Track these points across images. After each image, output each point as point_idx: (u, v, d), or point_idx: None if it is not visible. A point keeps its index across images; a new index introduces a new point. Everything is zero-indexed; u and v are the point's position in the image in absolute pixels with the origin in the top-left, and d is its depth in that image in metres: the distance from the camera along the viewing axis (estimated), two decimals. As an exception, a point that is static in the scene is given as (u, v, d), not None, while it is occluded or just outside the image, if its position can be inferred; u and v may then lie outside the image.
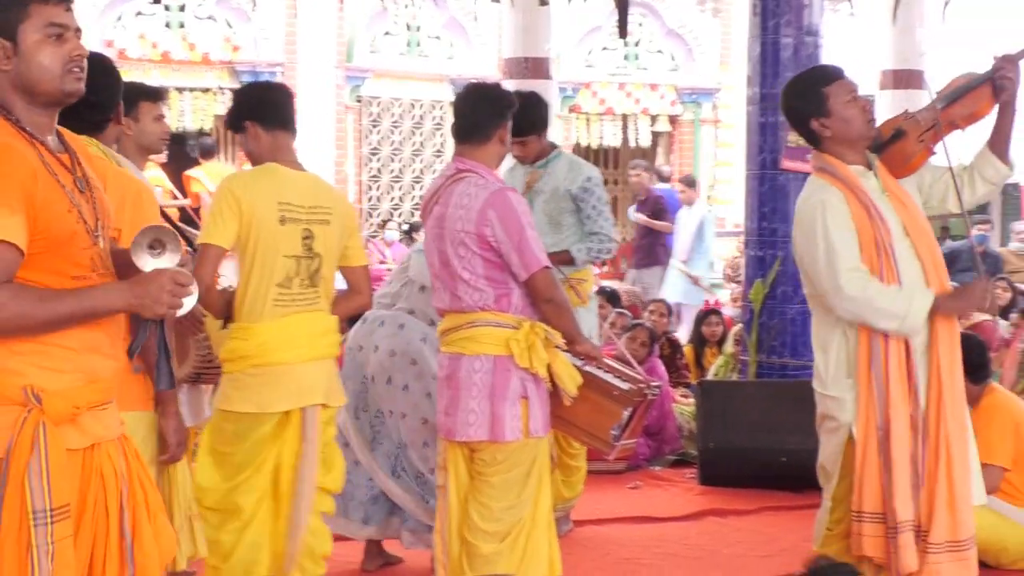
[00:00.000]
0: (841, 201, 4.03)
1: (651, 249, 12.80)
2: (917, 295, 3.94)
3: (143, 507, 2.88)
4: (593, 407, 4.46)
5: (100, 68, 3.78)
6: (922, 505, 3.97)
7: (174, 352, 4.51)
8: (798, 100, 4.17)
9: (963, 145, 4.36)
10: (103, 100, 3.76)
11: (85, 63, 2.81)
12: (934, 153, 4.28)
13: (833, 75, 4.17)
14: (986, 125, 4.30)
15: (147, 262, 2.76)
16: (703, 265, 12.81)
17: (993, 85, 4.19)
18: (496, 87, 4.75)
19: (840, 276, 3.94)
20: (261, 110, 4.39)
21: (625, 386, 4.52)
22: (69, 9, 2.82)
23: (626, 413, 4.50)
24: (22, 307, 2.65)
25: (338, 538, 4.91)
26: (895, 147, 4.21)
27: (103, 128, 3.80)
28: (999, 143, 4.26)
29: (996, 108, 4.22)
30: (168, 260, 2.78)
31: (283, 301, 4.23)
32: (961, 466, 3.98)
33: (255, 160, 4.37)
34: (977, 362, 5.47)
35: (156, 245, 2.78)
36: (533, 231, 4.32)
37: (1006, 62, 4.19)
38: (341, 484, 4.53)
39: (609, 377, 4.52)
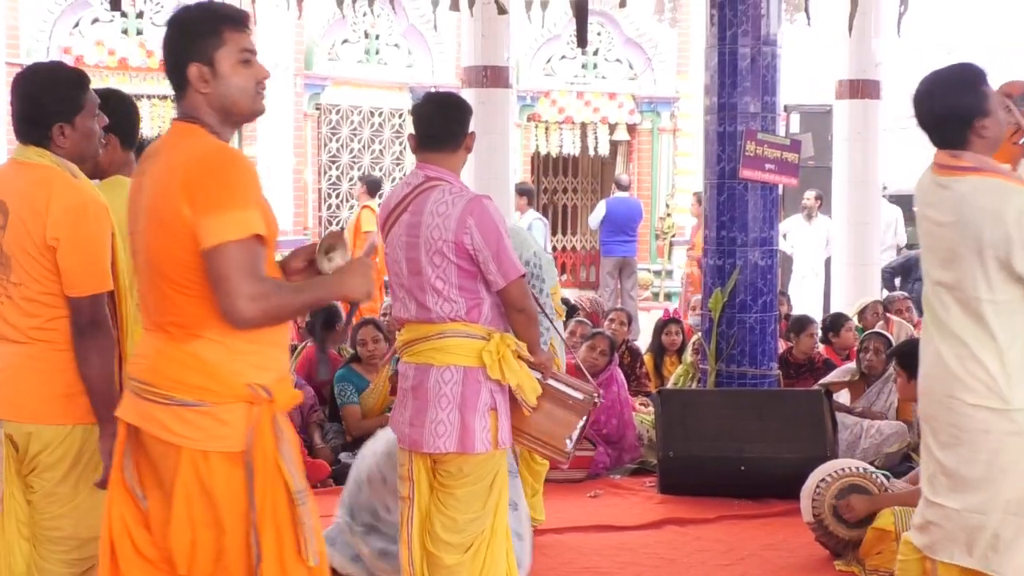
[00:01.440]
0: None
1: None
2: None
3: None
4: (548, 417, 4.45)
5: (46, 82, 3.74)
6: None
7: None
8: (967, 97, 3.83)
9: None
10: (40, 115, 3.70)
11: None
12: None
13: (984, 74, 3.89)
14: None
15: (326, 264, 3.18)
16: None
17: None
18: (458, 95, 4.76)
19: None
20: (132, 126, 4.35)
21: (579, 395, 4.53)
22: (251, 34, 3.15)
23: (580, 422, 4.51)
24: (283, 298, 2.95)
25: None
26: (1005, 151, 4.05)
27: (43, 143, 3.70)
28: None
29: None
30: (341, 258, 3.18)
31: None
32: None
33: (104, 172, 4.17)
34: None
35: (330, 249, 3.19)
36: (509, 240, 4.31)
37: None
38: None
39: (562, 387, 4.52)
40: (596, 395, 4.60)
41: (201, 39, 3.07)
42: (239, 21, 3.14)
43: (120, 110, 4.19)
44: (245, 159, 3.04)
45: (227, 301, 2.88)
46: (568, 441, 4.50)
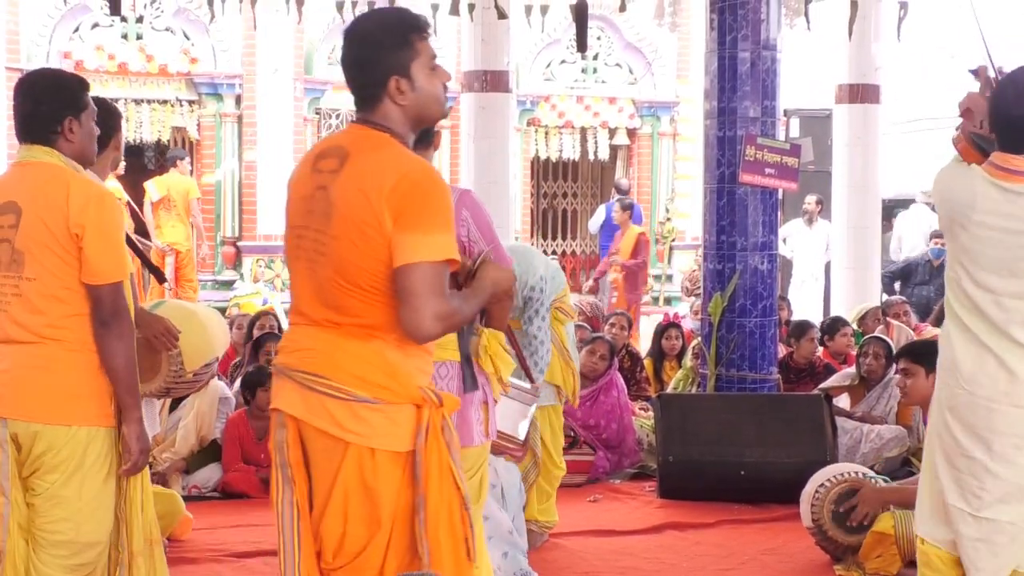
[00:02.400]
0: None
1: None
2: None
3: None
4: (506, 408, 4.46)
5: (50, 84, 3.85)
6: None
7: (145, 367, 4.59)
8: None
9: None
10: (51, 113, 3.77)
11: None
12: None
13: None
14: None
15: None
16: None
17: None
18: None
19: None
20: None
21: (528, 385, 4.56)
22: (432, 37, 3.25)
23: (531, 410, 4.53)
24: (460, 315, 3.12)
25: None
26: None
27: (52, 142, 3.78)
28: None
29: None
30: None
31: None
32: None
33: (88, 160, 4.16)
34: None
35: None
36: None
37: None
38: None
39: (511, 379, 4.53)
40: (534, 389, 4.62)
41: (395, 52, 3.13)
42: (424, 28, 3.20)
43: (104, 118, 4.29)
44: (444, 181, 3.13)
45: (414, 317, 2.96)
46: (521, 431, 4.52)
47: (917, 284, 13.09)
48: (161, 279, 6.50)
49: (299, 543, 3.15)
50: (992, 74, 4.17)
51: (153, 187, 13.11)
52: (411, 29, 3.16)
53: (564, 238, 17.82)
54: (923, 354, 5.90)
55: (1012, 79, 3.86)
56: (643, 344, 10.92)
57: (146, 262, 5.26)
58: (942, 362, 3.96)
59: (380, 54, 3.14)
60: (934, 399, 4.01)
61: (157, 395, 4.55)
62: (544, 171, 17.65)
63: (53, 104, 3.78)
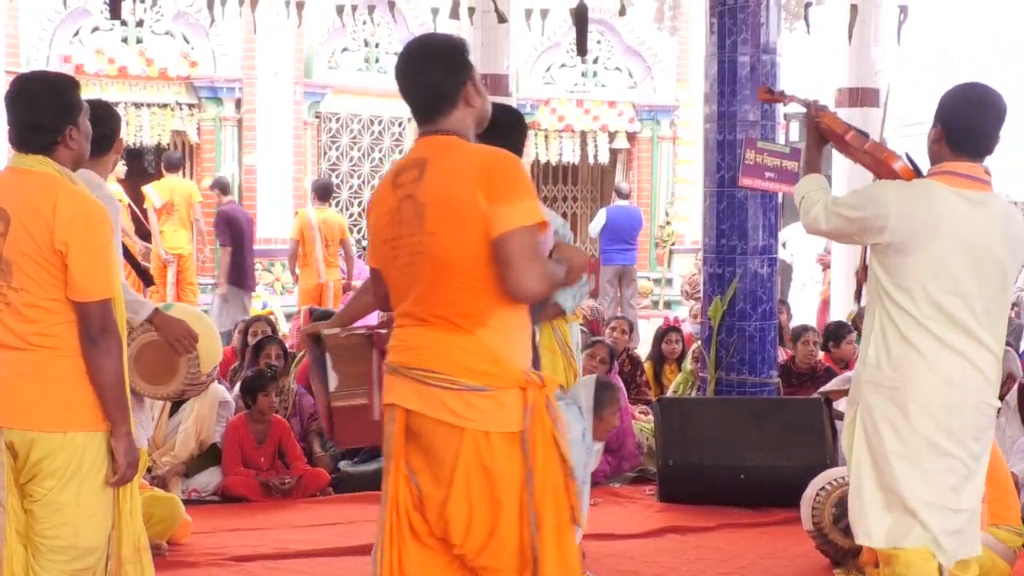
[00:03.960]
0: None
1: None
2: None
3: None
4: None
5: (50, 90, 3.79)
6: None
7: (162, 370, 4.59)
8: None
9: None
10: (52, 122, 3.74)
11: None
12: None
13: None
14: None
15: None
16: None
17: None
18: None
19: None
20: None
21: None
22: None
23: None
24: (557, 272, 3.41)
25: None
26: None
27: (51, 150, 3.75)
28: None
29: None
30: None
31: None
32: None
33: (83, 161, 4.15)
34: None
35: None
36: None
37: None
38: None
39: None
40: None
41: (463, 62, 3.51)
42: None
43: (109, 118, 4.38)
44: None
45: (520, 278, 3.24)
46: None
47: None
48: (149, 282, 6.44)
49: (385, 532, 3.40)
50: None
51: (154, 192, 13.09)
52: (465, 48, 3.57)
53: (564, 242, 17.80)
54: None
55: (963, 90, 4.09)
56: (643, 348, 10.92)
57: (134, 264, 5.27)
58: (902, 370, 4.00)
59: (455, 68, 3.49)
60: (875, 412, 4.06)
61: (173, 397, 4.61)
62: (544, 175, 17.66)
63: (55, 114, 3.75)
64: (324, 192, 12.69)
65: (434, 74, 3.49)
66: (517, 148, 4.73)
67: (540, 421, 3.34)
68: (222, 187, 12.82)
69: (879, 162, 4.20)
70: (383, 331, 4.20)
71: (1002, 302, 4.06)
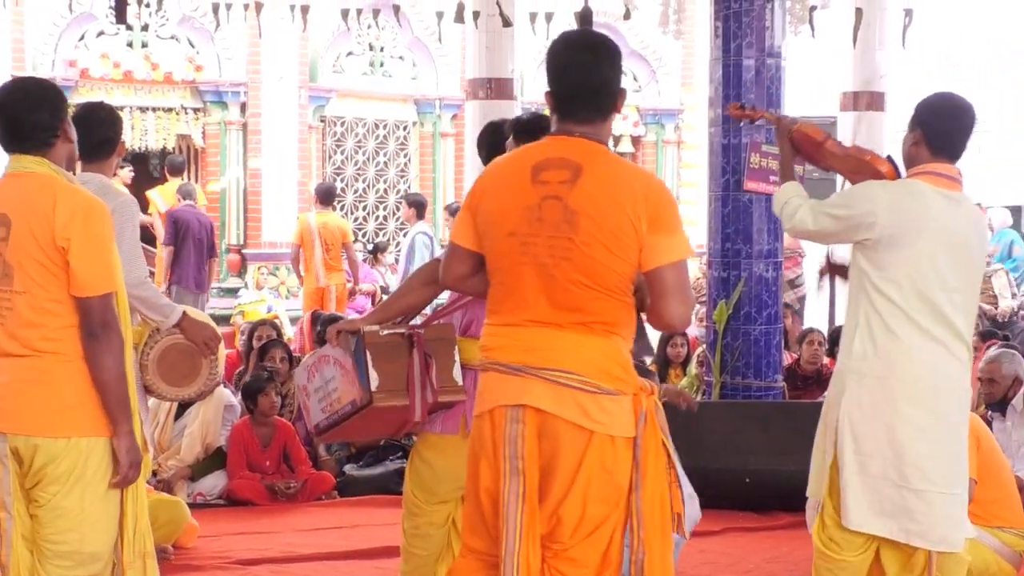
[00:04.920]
0: None
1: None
2: None
3: None
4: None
5: (40, 89, 3.82)
6: None
7: (184, 372, 4.63)
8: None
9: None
10: (48, 119, 3.75)
11: None
12: None
13: None
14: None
15: None
16: None
17: None
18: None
19: None
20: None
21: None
22: None
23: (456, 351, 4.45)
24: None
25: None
26: None
27: (51, 146, 3.76)
28: None
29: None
30: None
31: None
32: None
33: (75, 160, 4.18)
34: None
35: None
36: None
37: None
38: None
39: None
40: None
41: (621, 69, 3.56)
42: None
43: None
44: None
45: (679, 310, 3.38)
46: (457, 375, 4.38)
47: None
48: None
49: (521, 533, 3.37)
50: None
51: (159, 197, 13.10)
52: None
53: (569, 245, 17.81)
54: None
55: (942, 98, 4.41)
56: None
57: None
58: (889, 360, 4.19)
59: (620, 72, 3.53)
60: (863, 402, 4.25)
61: (194, 398, 4.67)
62: (549, 178, 17.62)
63: (50, 110, 3.75)
64: (326, 196, 12.68)
65: (609, 72, 3.48)
66: None
67: (652, 427, 3.43)
68: (184, 193, 12.72)
69: (863, 163, 4.43)
70: (422, 331, 4.21)
71: (975, 294, 4.36)
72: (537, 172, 3.41)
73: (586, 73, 3.44)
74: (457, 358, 4.24)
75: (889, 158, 4.46)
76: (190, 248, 12.17)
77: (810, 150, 4.58)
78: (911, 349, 4.16)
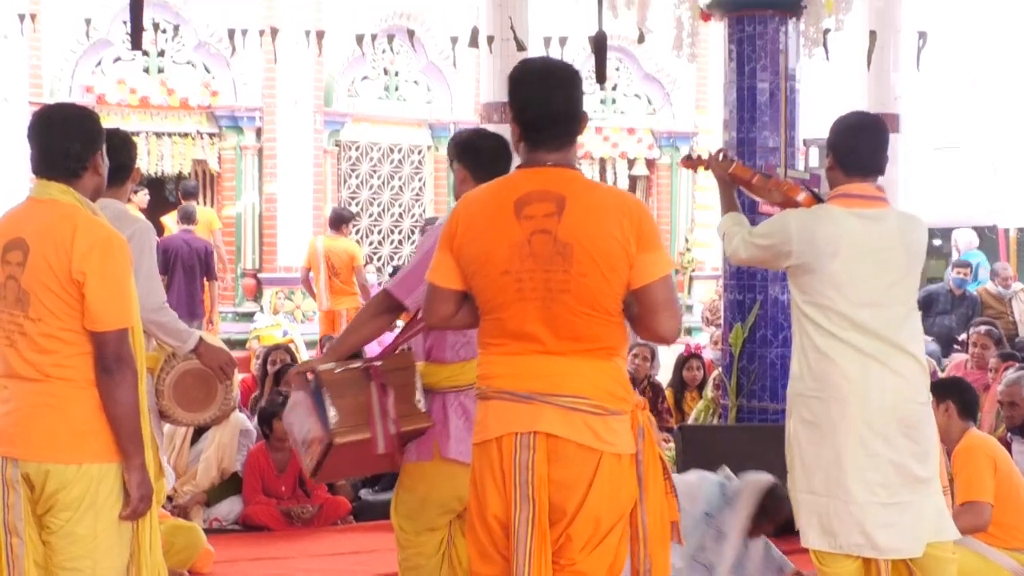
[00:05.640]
0: None
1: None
2: None
3: None
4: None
5: (78, 118, 3.80)
6: None
7: (200, 397, 4.64)
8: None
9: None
10: (79, 150, 3.75)
11: None
12: None
13: None
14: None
15: None
16: None
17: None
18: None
19: None
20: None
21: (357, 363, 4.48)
22: None
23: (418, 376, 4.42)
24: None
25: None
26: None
27: (78, 177, 3.77)
28: None
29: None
30: None
31: None
32: None
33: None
34: (969, 402, 5.76)
35: None
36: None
37: None
38: None
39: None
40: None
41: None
42: None
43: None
44: None
45: (671, 323, 3.46)
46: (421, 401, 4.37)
47: (938, 313, 13.01)
48: None
49: (531, 558, 3.42)
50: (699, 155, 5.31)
51: (174, 222, 13.14)
52: None
53: (584, 269, 17.79)
54: (934, 388, 5.89)
55: (845, 119, 4.60)
56: (663, 374, 10.88)
57: None
58: (823, 379, 4.35)
59: (582, 98, 3.57)
60: (805, 420, 4.42)
61: (209, 423, 4.68)
62: (563, 202, 17.63)
63: (83, 140, 3.75)
64: (337, 221, 12.72)
65: (572, 98, 3.54)
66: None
67: (649, 442, 3.56)
68: (183, 215, 12.72)
69: (785, 196, 4.78)
70: (379, 363, 4.21)
71: (910, 306, 4.45)
72: (520, 207, 3.44)
73: (549, 102, 3.49)
74: (419, 384, 4.25)
75: (805, 186, 4.83)
76: (180, 276, 12.21)
77: (744, 186, 4.99)
78: (841, 368, 4.31)
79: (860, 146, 4.48)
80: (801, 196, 4.72)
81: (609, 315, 3.44)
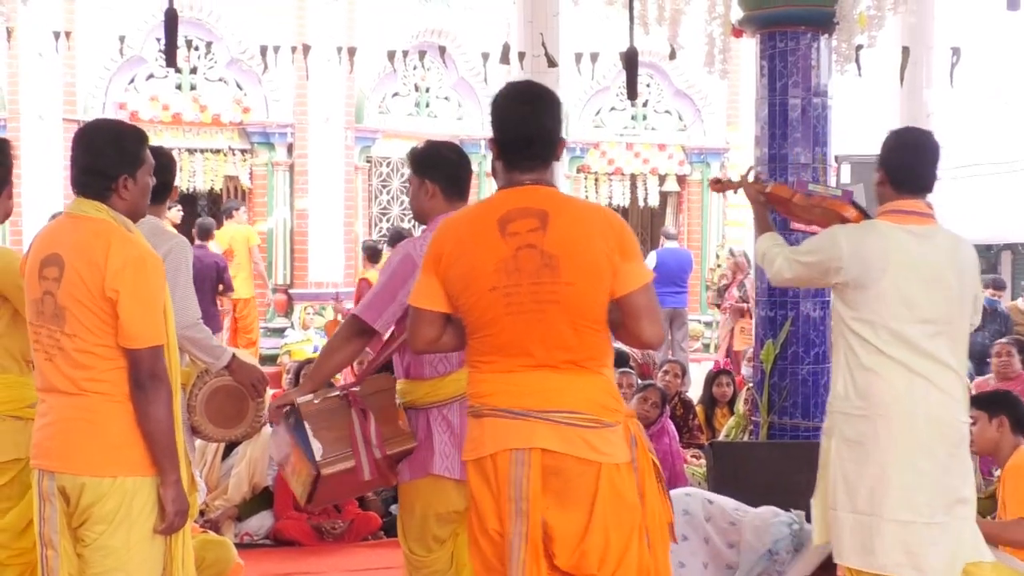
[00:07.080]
0: None
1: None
2: None
3: None
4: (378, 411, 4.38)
5: (113, 135, 3.82)
6: None
7: (231, 414, 4.66)
8: None
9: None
10: (107, 169, 3.77)
11: None
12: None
13: None
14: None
15: None
16: None
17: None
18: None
19: None
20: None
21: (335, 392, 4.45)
22: None
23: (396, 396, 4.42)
24: None
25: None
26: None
27: (105, 197, 3.78)
28: None
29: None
30: None
31: None
32: None
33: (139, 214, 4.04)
34: (1022, 417, 5.65)
35: None
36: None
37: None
38: None
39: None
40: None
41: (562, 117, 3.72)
42: None
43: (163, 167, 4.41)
44: None
45: (653, 328, 3.54)
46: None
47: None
48: None
49: (524, 571, 3.46)
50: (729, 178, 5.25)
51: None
52: None
53: (614, 285, 17.78)
54: (985, 401, 5.83)
55: (899, 135, 4.59)
56: (694, 391, 10.86)
57: None
58: (868, 397, 4.33)
59: (561, 120, 3.68)
60: (850, 439, 4.39)
61: (240, 439, 4.69)
62: (594, 218, 17.63)
63: (110, 161, 3.76)
64: (373, 254, 12.79)
65: (549, 122, 3.62)
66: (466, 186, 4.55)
67: (642, 448, 3.62)
68: (199, 230, 12.60)
69: (829, 212, 4.69)
70: (356, 388, 4.22)
71: (961, 325, 4.42)
72: (504, 225, 3.50)
73: (526, 124, 3.58)
74: (400, 404, 4.26)
75: (853, 202, 4.70)
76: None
77: (783, 208, 4.91)
78: (889, 385, 4.29)
79: (914, 163, 4.47)
80: (850, 213, 4.67)
81: (596, 324, 3.50)
